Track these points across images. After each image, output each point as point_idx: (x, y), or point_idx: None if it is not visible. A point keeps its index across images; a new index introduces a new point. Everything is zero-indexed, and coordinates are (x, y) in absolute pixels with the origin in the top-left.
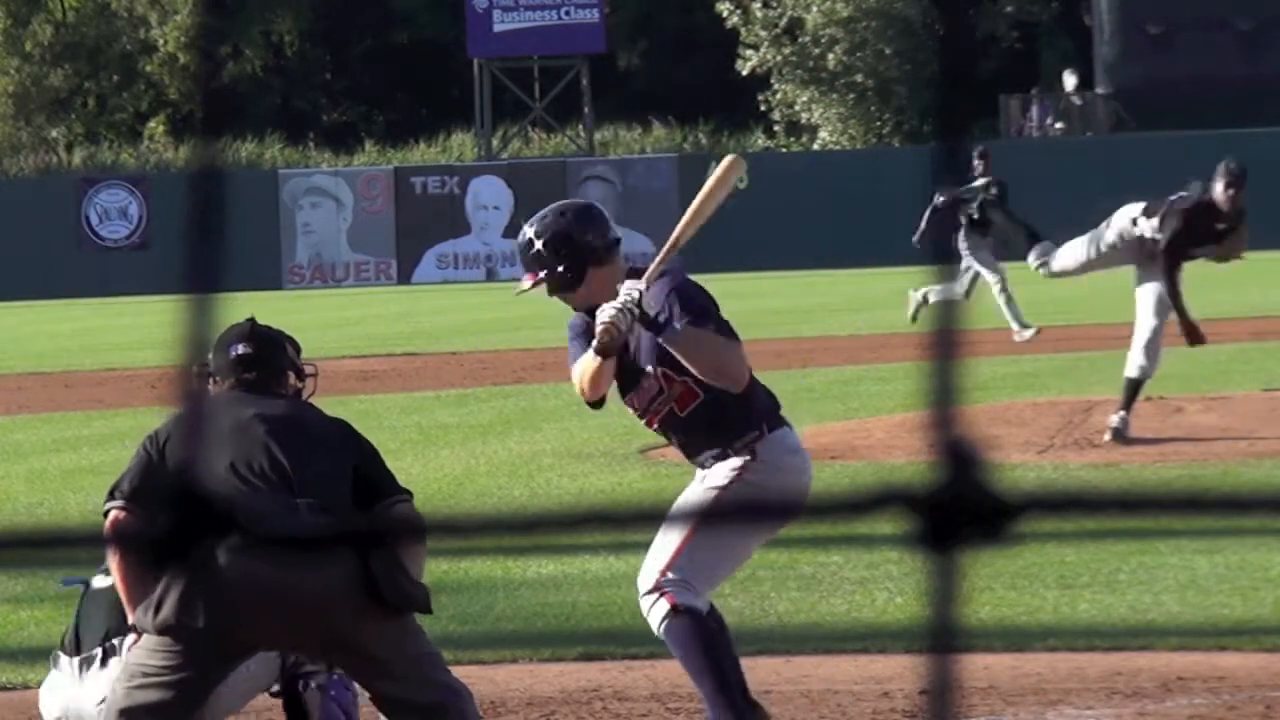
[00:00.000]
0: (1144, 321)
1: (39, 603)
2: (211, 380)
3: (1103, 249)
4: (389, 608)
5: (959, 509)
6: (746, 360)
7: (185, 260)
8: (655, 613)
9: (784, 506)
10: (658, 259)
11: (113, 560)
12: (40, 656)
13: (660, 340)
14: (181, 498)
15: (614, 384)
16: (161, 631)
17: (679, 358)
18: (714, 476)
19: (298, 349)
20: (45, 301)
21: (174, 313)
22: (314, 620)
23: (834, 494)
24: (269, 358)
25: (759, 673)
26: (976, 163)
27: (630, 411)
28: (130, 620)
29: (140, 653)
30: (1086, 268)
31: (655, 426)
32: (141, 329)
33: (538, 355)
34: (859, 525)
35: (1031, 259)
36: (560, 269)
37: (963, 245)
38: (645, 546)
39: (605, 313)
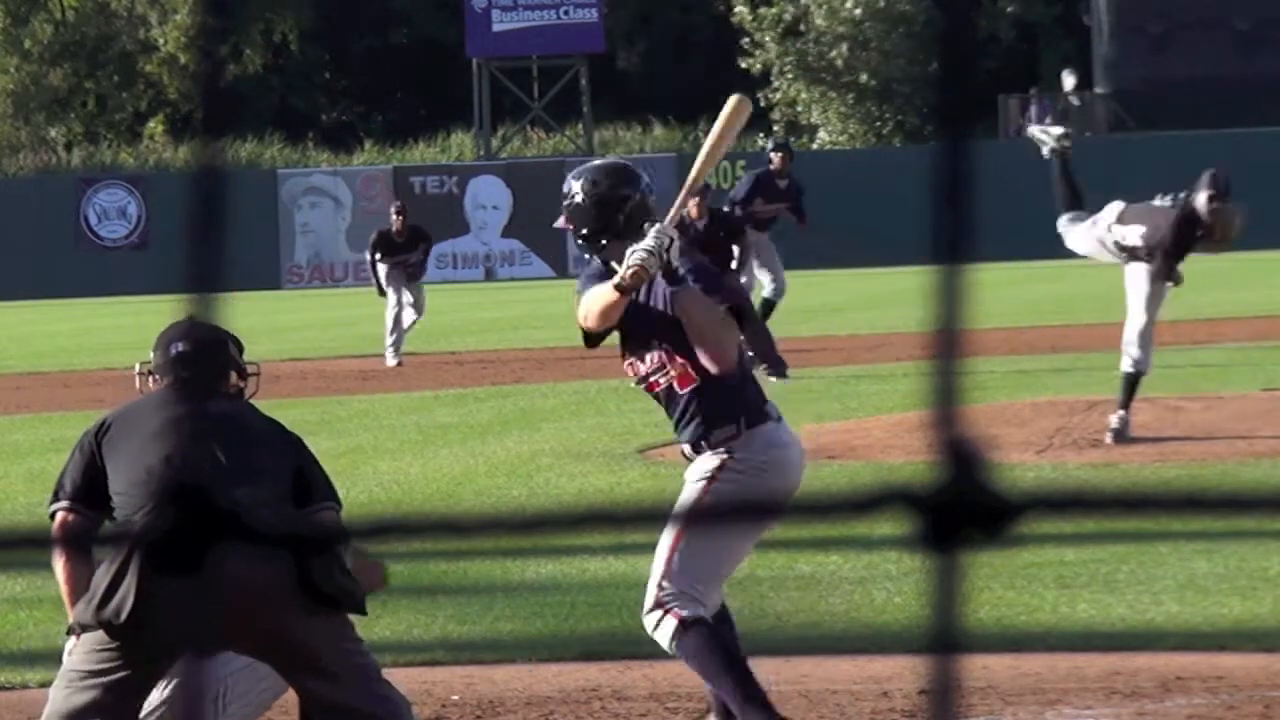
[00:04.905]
0: (1135, 315)
1: (39, 603)
2: (152, 378)
3: (1097, 246)
4: (323, 602)
5: (960, 508)
6: (739, 347)
7: (185, 260)
8: (663, 632)
9: (765, 506)
10: (675, 204)
11: (58, 561)
12: (40, 657)
13: (672, 291)
14: (187, 500)
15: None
16: (103, 623)
17: (683, 318)
18: (693, 475)
19: (240, 347)
20: (44, 301)
21: (173, 312)
22: (248, 613)
23: (834, 494)
24: (209, 356)
25: (758, 673)
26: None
27: (629, 374)
28: (70, 619)
29: (78, 657)
30: (1092, 254)
31: (653, 394)
32: (140, 329)
33: (537, 355)
34: (857, 525)
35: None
36: (588, 229)
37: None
38: (645, 547)
39: (636, 254)
